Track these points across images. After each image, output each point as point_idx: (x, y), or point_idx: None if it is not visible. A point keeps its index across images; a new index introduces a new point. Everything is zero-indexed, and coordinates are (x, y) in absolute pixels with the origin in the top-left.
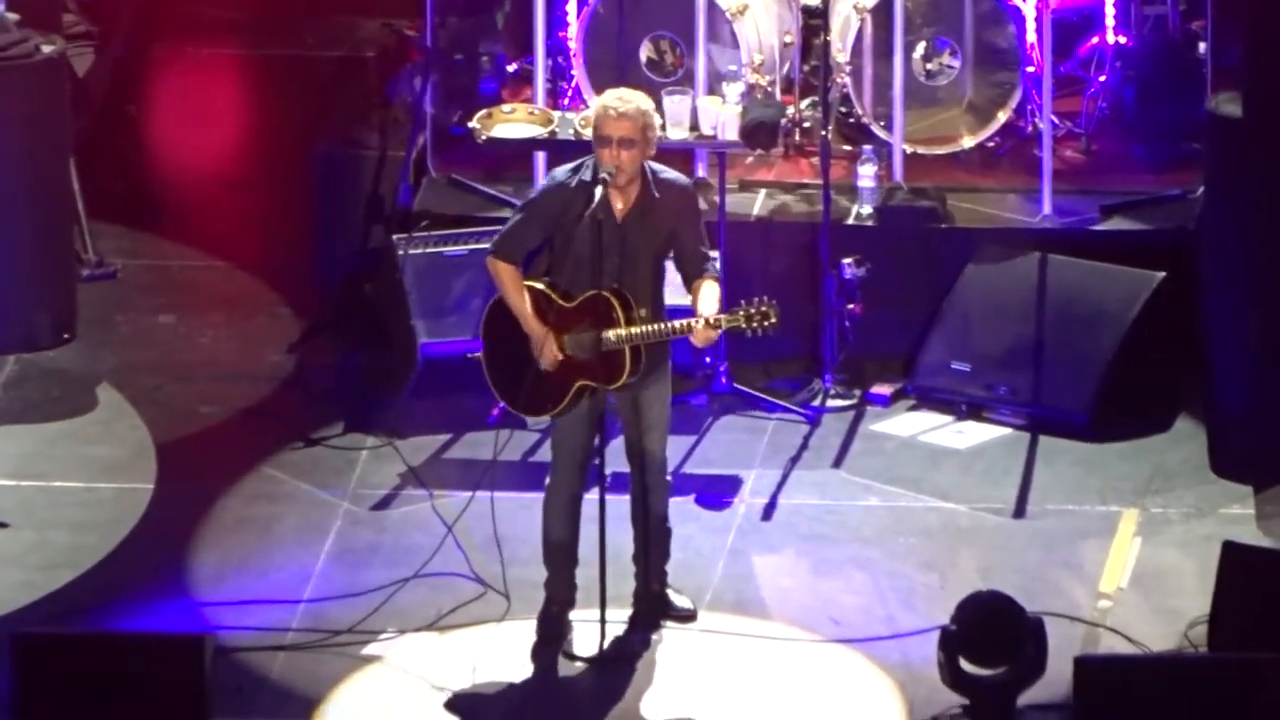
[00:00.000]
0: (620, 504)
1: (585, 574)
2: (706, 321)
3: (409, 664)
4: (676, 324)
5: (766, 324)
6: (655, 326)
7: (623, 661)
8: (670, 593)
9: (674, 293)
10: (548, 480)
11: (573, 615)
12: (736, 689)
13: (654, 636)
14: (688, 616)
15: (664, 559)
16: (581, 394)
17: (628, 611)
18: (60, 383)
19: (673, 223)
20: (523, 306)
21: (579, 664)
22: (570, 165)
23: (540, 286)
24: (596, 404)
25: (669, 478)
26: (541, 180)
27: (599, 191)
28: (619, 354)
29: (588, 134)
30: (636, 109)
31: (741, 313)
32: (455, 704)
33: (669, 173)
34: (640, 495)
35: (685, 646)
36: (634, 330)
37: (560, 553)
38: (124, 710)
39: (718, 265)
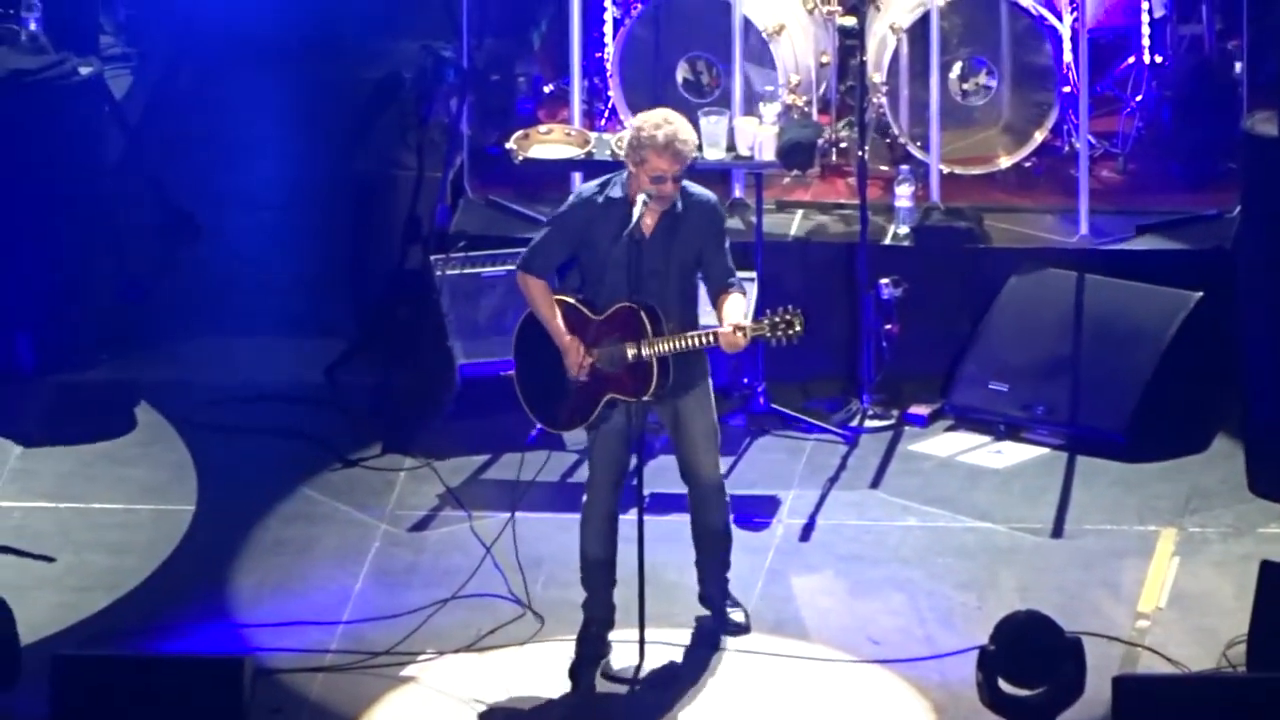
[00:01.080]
0: (659, 524)
1: (624, 594)
2: (735, 327)
3: (447, 685)
4: (702, 334)
5: (791, 332)
6: (682, 338)
7: (661, 682)
8: (727, 603)
9: (708, 313)
10: (584, 498)
11: (612, 635)
12: (775, 710)
13: (700, 654)
14: (741, 629)
15: (725, 568)
16: (610, 407)
17: (667, 630)
18: (99, 403)
19: (699, 238)
20: (552, 318)
21: (617, 684)
22: (598, 181)
23: (571, 300)
24: (632, 422)
25: (727, 494)
26: (571, 195)
27: (637, 211)
28: (647, 366)
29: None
30: (691, 147)
31: (766, 321)
32: None
33: (695, 189)
34: (695, 509)
35: (724, 667)
36: (663, 343)
37: (598, 571)
38: None
39: (747, 283)
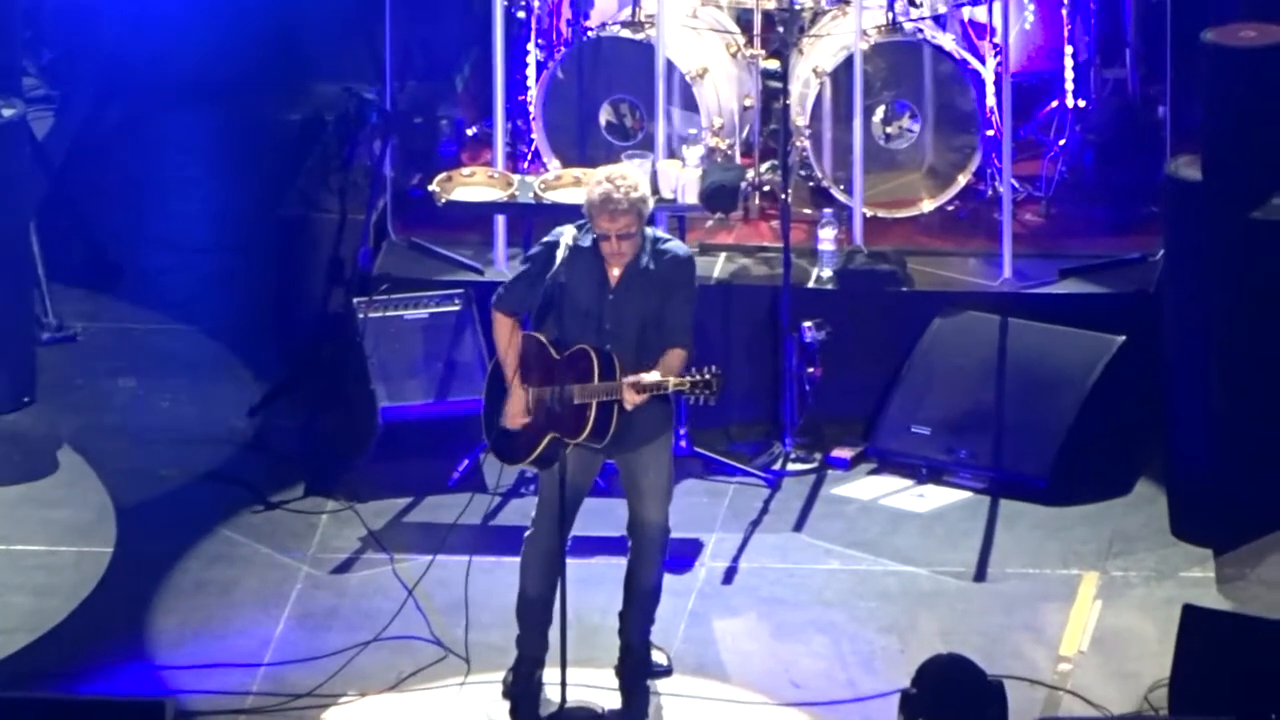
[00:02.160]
0: (584, 567)
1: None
2: (629, 385)
3: None
4: (609, 385)
5: (707, 392)
6: (595, 387)
7: None
8: (650, 649)
9: None
10: (527, 534)
11: (539, 675)
12: None
13: (624, 697)
14: (663, 672)
15: (649, 621)
16: (554, 446)
17: (590, 672)
18: (21, 446)
19: (664, 290)
20: (508, 359)
21: None
22: (576, 225)
23: (541, 339)
24: (586, 462)
25: (664, 547)
26: (552, 234)
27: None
28: (586, 410)
29: (548, 197)
30: (633, 202)
31: (688, 380)
32: None
33: (670, 243)
34: (634, 559)
35: (646, 710)
36: (588, 388)
37: (533, 609)
38: None
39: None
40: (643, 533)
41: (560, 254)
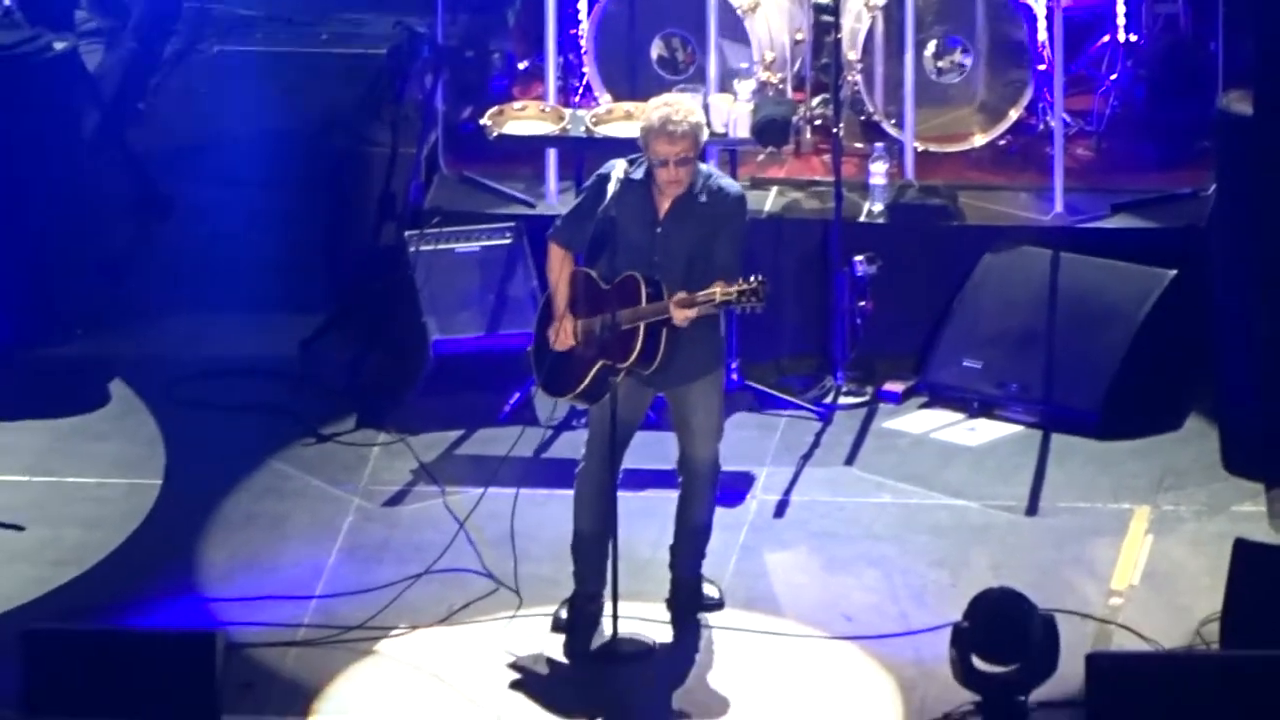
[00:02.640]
0: (634, 500)
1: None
2: (677, 300)
3: (420, 660)
4: (655, 306)
5: (751, 302)
6: (641, 310)
7: (632, 658)
8: (702, 582)
9: None
10: (579, 468)
11: (595, 609)
12: (748, 686)
13: (675, 630)
14: (715, 605)
15: (701, 554)
16: (602, 377)
17: (640, 605)
18: (72, 378)
19: (712, 226)
20: (557, 284)
21: (591, 659)
22: (628, 159)
23: (590, 273)
24: (638, 397)
25: (715, 483)
26: (604, 167)
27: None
28: (635, 334)
29: (600, 131)
30: (692, 126)
31: (718, 287)
32: (470, 697)
33: (721, 179)
34: (684, 496)
35: (700, 644)
36: (632, 310)
37: (585, 543)
38: (135, 707)
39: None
40: (693, 469)
41: (611, 187)
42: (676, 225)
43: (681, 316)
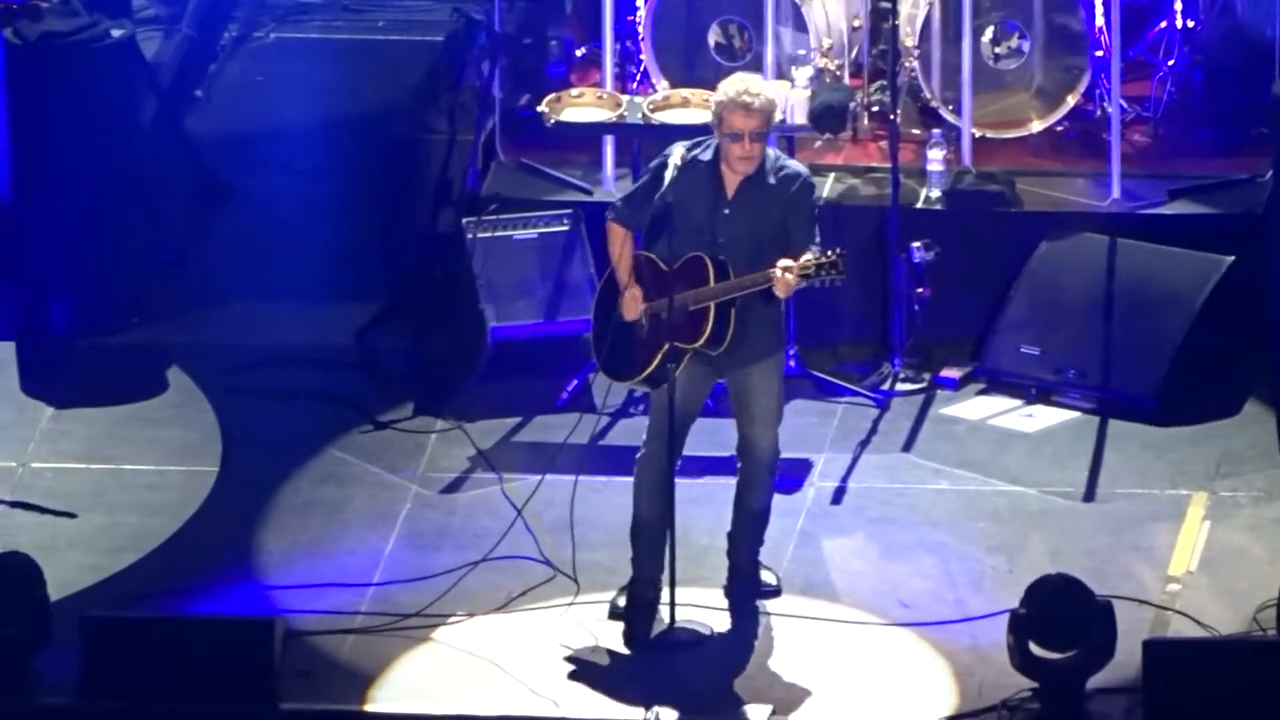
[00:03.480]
0: (692, 487)
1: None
2: (783, 268)
3: (478, 647)
4: (754, 276)
5: (834, 273)
6: (732, 283)
7: (691, 645)
8: (760, 569)
9: None
10: (639, 455)
11: (653, 596)
12: (804, 672)
13: (733, 618)
14: (773, 592)
15: (759, 542)
16: (670, 359)
17: (697, 591)
18: (130, 366)
19: (783, 208)
20: (619, 261)
21: (649, 646)
22: (692, 141)
23: (652, 256)
24: (700, 382)
25: (774, 469)
26: (665, 152)
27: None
28: (705, 314)
29: (657, 118)
30: (767, 101)
31: (812, 259)
32: (528, 685)
33: (789, 162)
34: (743, 482)
35: (758, 630)
36: (714, 288)
37: (644, 529)
38: (193, 694)
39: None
40: (752, 455)
41: (669, 174)
42: (744, 207)
43: (787, 285)
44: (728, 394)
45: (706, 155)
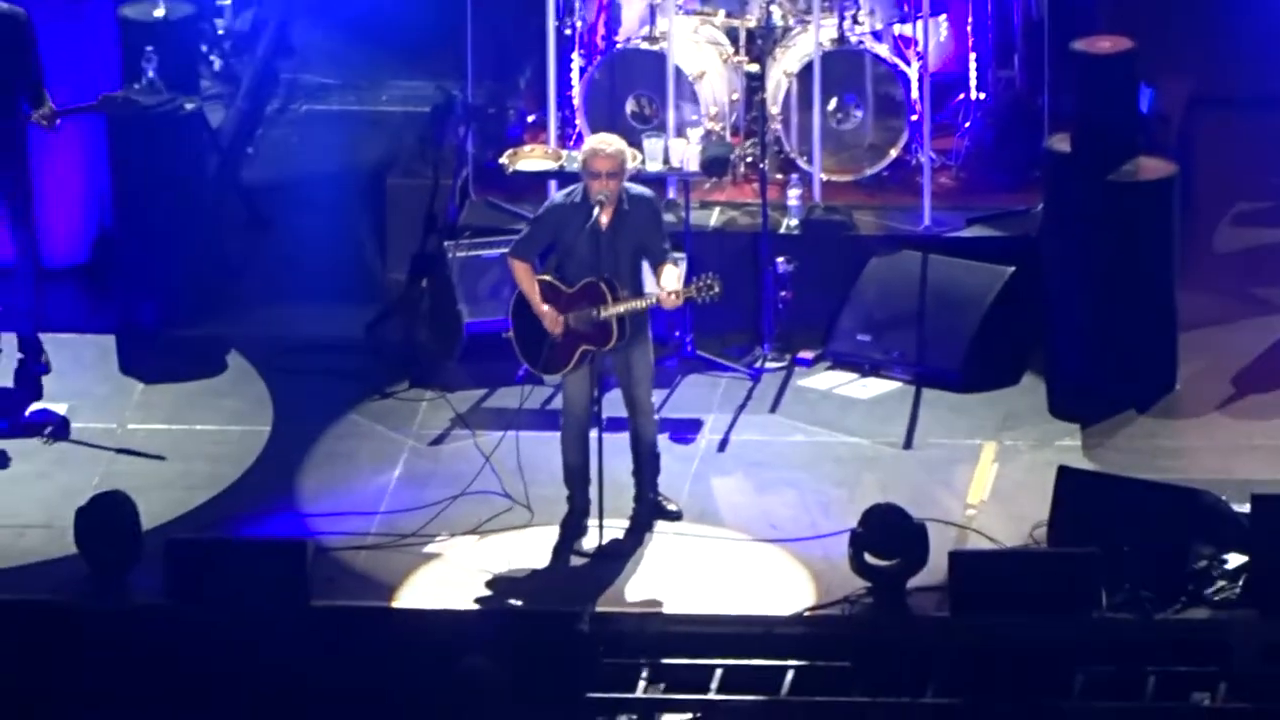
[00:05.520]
0: (615, 439)
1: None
2: (670, 292)
3: (459, 560)
4: (650, 297)
5: (712, 293)
6: (633, 301)
7: (616, 556)
8: (661, 499)
9: (650, 284)
10: (562, 421)
11: (585, 521)
12: (699, 577)
13: (644, 536)
14: (676, 516)
15: (656, 474)
16: (584, 357)
17: (619, 520)
18: (201, 351)
19: (642, 226)
20: (533, 294)
21: (584, 557)
22: (566, 190)
23: (549, 279)
24: (595, 366)
25: (655, 418)
26: (546, 201)
27: (596, 210)
28: (610, 323)
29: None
30: (617, 149)
31: (694, 285)
32: (494, 587)
33: (635, 188)
34: (634, 431)
35: (662, 546)
36: (619, 306)
37: (576, 473)
38: (250, 596)
39: (679, 257)
40: (639, 409)
41: (552, 217)
42: (616, 233)
43: (671, 304)
44: (614, 369)
45: (577, 198)
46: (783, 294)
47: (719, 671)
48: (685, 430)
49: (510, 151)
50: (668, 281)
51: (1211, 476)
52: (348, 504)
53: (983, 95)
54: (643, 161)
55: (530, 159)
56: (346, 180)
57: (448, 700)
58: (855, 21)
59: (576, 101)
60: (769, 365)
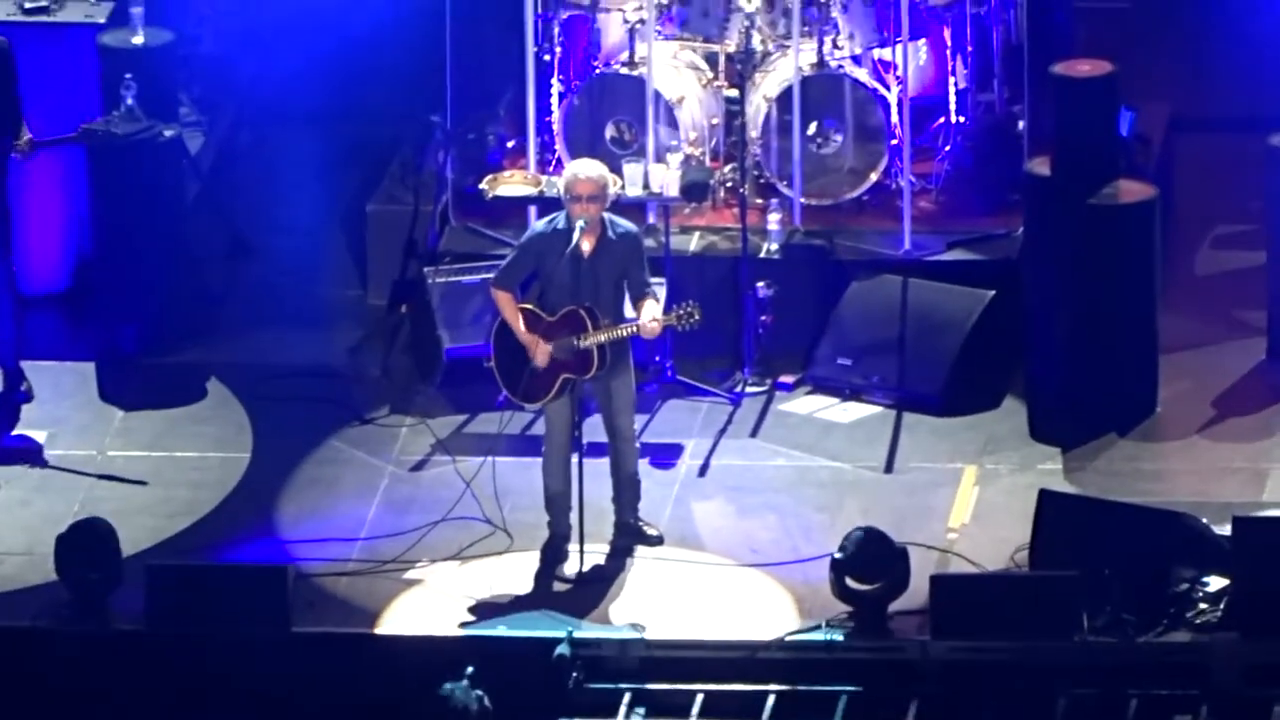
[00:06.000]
0: (595, 465)
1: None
2: (651, 320)
3: (439, 585)
4: (629, 326)
5: (692, 321)
6: (614, 329)
7: (597, 580)
8: (642, 524)
9: (630, 311)
10: (544, 448)
11: (565, 546)
12: (679, 601)
13: (625, 561)
14: (657, 541)
15: (636, 500)
16: (565, 385)
17: (600, 544)
18: (181, 379)
19: (624, 258)
20: (516, 322)
21: (565, 582)
22: (546, 219)
23: (530, 307)
24: (575, 393)
25: (637, 444)
26: (528, 230)
27: (576, 234)
28: (591, 352)
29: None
30: (598, 173)
31: (674, 313)
32: (476, 612)
33: (622, 222)
34: (615, 458)
35: (643, 570)
36: (600, 334)
37: (557, 499)
38: (231, 622)
39: (659, 291)
40: (620, 435)
41: (534, 247)
42: (598, 261)
43: (653, 331)
44: (594, 395)
45: (561, 224)
46: (763, 318)
47: (700, 696)
48: (666, 455)
49: (490, 177)
50: (647, 313)
51: (1192, 499)
52: (328, 530)
53: (962, 119)
54: (623, 187)
55: (510, 184)
56: (329, 206)
57: None
58: (835, 46)
59: (556, 127)
60: (749, 390)
